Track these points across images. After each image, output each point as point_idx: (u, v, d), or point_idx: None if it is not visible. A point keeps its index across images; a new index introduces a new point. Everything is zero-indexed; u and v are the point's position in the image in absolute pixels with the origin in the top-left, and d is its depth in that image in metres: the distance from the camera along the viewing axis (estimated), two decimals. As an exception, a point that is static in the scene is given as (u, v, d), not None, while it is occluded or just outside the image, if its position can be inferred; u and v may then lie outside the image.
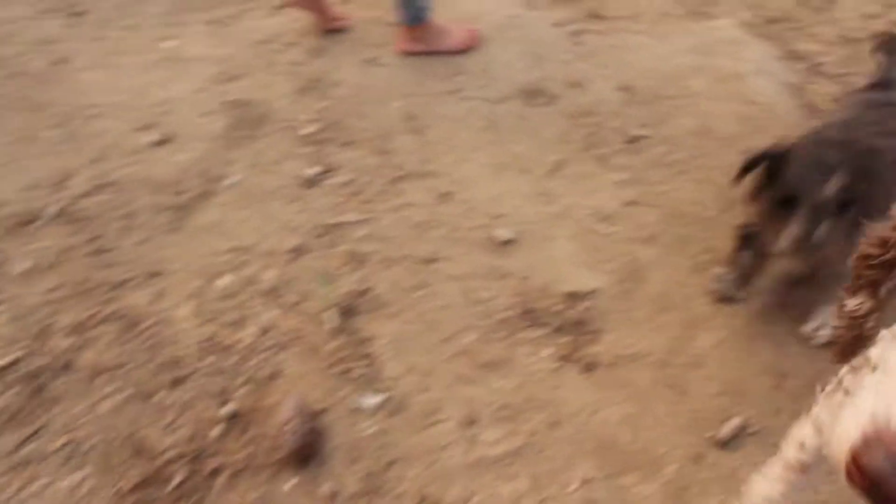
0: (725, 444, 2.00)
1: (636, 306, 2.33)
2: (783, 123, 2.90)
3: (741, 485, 1.91)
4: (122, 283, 2.39)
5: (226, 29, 3.54)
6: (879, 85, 2.45)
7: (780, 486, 1.65)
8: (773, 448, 1.67)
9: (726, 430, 2.02)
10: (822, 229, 1.89)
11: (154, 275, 2.41)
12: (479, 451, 1.99)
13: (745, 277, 2.29)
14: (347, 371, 2.14)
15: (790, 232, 1.93)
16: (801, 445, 1.54)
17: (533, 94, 3.06)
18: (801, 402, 1.96)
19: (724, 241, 2.32)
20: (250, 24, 3.56)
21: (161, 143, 2.90)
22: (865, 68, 2.76)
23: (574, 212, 2.61)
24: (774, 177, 2.02)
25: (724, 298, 2.31)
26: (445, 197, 2.65)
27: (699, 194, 2.65)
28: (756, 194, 2.12)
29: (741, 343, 2.23)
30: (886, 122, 2.14)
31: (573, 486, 1.93)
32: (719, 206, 2.57)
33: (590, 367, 2.17)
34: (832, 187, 1.87)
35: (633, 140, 2.86)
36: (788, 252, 1.98)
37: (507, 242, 2.50)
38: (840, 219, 1.89)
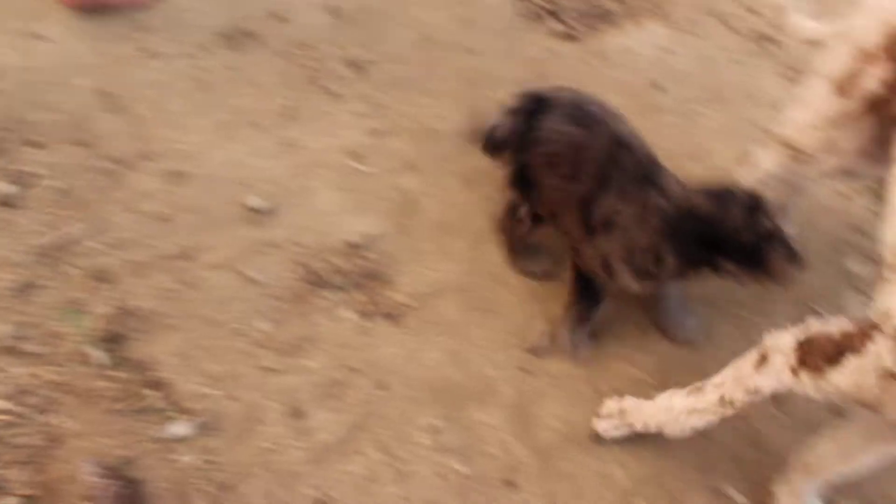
0: (543, 350, 2.05)
1: (420, 239, 2.25)
2: (501, 16, 2.93)
3: (570, 381, 1.98)
4: None
5: None
6: None
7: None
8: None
9: (539, 335, 2.06)
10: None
11: None
12: (316, 440, 1.84)
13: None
14: (140, 406, 1.83)
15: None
16: None
17: (235, 38, 2.74)
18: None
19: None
20: None
21: None
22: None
23: (323, 156, 2.43)
24: None
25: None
26: (178, 177, 2.31)
27: (441, 108, 2.59)
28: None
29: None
30: None
31: (423, 440, 1.86)
32: (462, 115, 2.54)
33: (396, 316, 2.08)
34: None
35: (358, 65, 2.70)
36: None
37: (264, 210, 2.26)
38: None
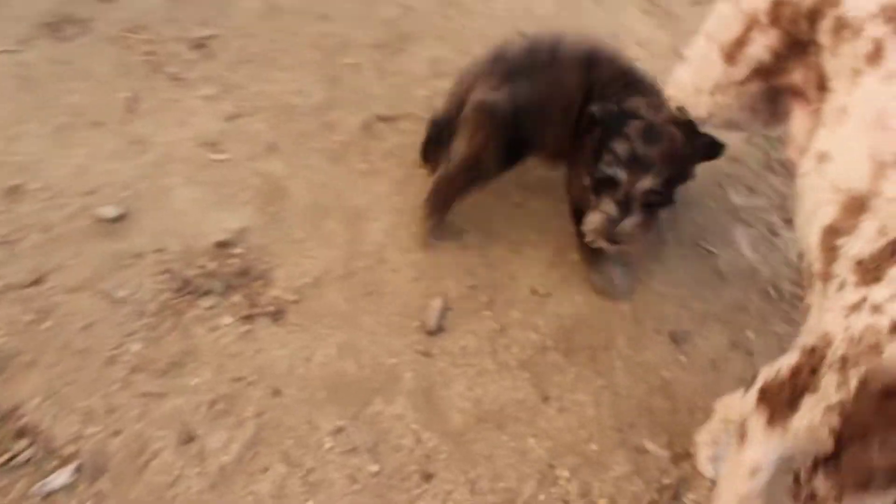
0: (439, 329, 1.99)
1: (292, 227, 2.12)
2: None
3: (473, 358, 1.94)
4: None
5: None
6: None
7: None
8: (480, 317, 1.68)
9: (433, 314, 2.00)
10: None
11: None
12: (215, 463, 1.71)
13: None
14: (10, 461, 1.66)
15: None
16: None
17: (59, 27, 2.48)
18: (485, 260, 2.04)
19: (347, 117, 2.18)
20: None
21: None
22: None
23: (176, 150, 2.25)
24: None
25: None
26: (14, 192, 2.08)
27: (298, 81, 2.44)
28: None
29: (410, 219, 2.17)
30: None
31: (329, 444, 1.77)
32: (324, 88, 2.40)
33: (278, 314, 1.96)
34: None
35: (201, 44, 2.50)
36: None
37: (118, 218, 2.07)
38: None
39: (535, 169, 2.23)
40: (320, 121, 2.33)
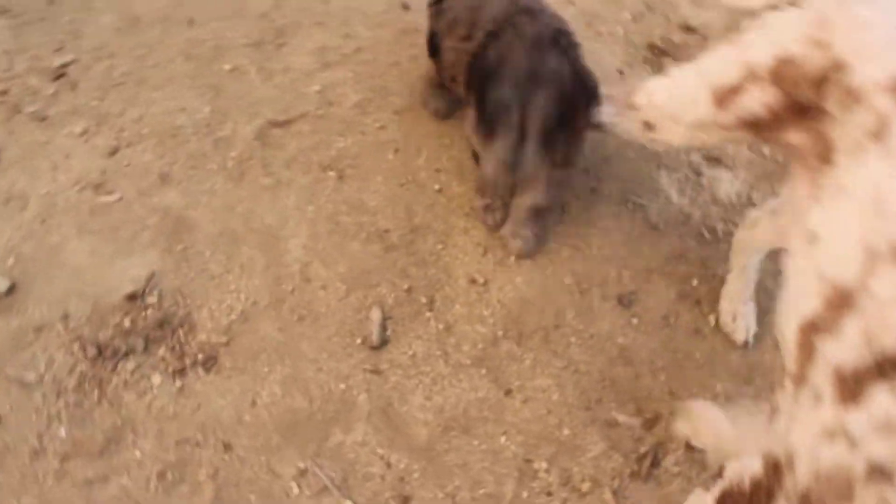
0: (383, 341, 1.88)
1: (204, 261, 1.95)
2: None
3: (425, 365, 1.84)
4: None
5: None
6: None
7: None
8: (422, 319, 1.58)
9: (373, 327, 1.89)
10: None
11: None
12: (176, 541, 1.60)
13: None
14: None
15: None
16: None
17: None
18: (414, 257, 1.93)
19: (238, 129, 2.00)
20: None
21: None
22: None
23: (57, 199, 2.02)
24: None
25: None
26: None
27: (174, 100, 2.22)
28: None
29: (329, 228, 2.04)
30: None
31: (294, 490, 1.66)
32: (207, 101, 2.20)
33: (210, 361, 1.81)
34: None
35: (59, 74, 2.24)
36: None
37: (9, 290, 1.85)
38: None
39: (449, 148, 2.14)
40: (210, 138, 2.13)
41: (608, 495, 1.71)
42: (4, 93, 2.18)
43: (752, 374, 1.89)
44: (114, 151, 2.11)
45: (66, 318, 1.84)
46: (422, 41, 2.35)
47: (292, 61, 2.31)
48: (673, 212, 2.17)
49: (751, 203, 2.17)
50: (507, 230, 2.06)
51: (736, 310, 1.93)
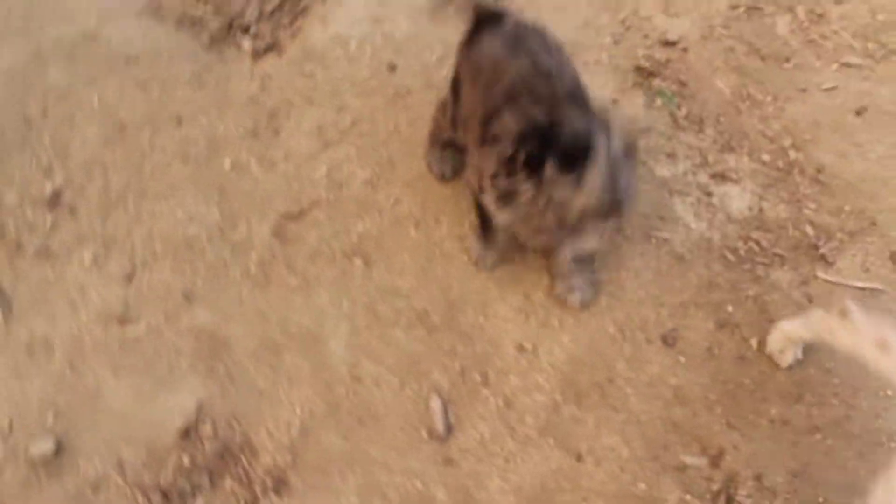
0: (448, 429, 1.86)
1: (250, 379, 1.91)
2: (191, 59, 2.40)
3: (494, 445, 1.82)
4: None
5: None
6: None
7: None
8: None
9: (437, 416, 1.86)
10: None
11: None
12: None
13: None
14: None
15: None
16: None
17: None
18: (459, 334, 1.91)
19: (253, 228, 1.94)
20: None
21: None
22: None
23: (82, 340, 1.95)
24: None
25: None
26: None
27: (180, 209, 2.13)
28: None
29: (368, 320, 1.98)
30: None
31: None
32: (214, 204, 2.13)
33: (280, 484, 1.77)
34: None
35: (54, 200, 2.13)
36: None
37: (55, 450, 1.78)
38: None
39: (467, 213, 2.12)
40: (227, 244, 2.07)
41: (695, 541, 1.75)
42: (2, 230, 2.08)
43: (801, 392, 1.93)
44: (130, 276, 2.04)
45: (121, 467, 1.78)
46: (415, 102, 2.32)
47: (292, 146, 2.25)
48: (694, 238, 2.18)
49: (762, 213, 2.21)
50: (560, 288, 2.04)
51: (786, 344, 1.97)
